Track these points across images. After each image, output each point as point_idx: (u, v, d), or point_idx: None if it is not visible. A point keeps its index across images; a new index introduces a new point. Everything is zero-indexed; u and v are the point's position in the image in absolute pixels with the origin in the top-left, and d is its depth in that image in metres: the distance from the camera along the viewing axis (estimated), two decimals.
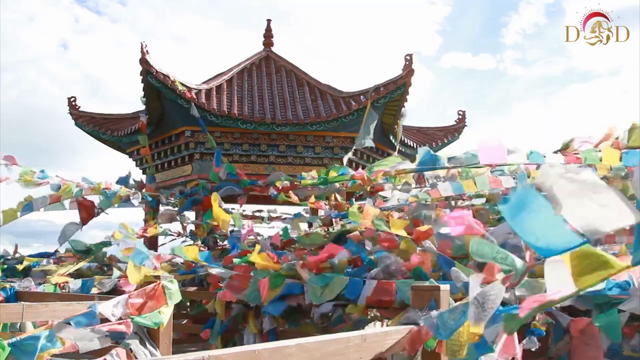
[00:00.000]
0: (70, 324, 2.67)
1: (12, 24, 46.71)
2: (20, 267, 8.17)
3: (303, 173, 9.35)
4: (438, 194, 7.39)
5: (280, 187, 9.45)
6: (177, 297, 3.41)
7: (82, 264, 8.35)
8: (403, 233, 5.97)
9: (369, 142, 11.08)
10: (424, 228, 5.94)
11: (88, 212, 9.43)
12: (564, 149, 7.03)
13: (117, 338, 2.92)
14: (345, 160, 12.01)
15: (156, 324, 3.18)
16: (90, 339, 2.71)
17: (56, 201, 9.16)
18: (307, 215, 10.29)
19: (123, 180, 11.02)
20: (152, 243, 11.29)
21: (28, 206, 8.97)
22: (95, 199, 9.62)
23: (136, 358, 2.92)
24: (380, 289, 4.77)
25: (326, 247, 5.91)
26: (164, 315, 3.27)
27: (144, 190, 11.02)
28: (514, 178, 6.75)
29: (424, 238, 5.80)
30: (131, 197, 9.94)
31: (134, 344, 2.93)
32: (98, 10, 56.99)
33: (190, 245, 9.30)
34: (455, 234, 5.25)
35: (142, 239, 9.21)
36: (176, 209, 11.11)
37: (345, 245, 6.23)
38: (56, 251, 9.28)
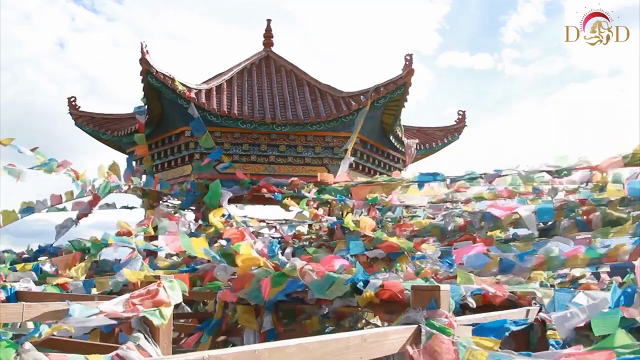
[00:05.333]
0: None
1: (9, 22, 46.65)
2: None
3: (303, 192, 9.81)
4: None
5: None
6: (178, 297, 3.42)
7: (82, 265, 8.32)
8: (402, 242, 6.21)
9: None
10: None
11: (92, 205, 9.72)
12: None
13: (116, 325, 2.99)
14: (346, 162, 12.00)
15: (162, 317, 3.21)
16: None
17: (58, 202, 9.21)
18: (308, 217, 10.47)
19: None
20: (152, 242, 11.26)
21: (29, 209, 9.05)
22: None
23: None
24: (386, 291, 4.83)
25: (323, 259, 6.03)
26: (164, 314, 3.29)
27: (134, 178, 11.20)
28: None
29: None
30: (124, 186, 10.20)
31: (141, 338, 2.96)
32: (94, 8, 56.80)
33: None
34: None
35: (141, 237, 9.23)
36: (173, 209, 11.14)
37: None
38: (56, 247, 9.30)
